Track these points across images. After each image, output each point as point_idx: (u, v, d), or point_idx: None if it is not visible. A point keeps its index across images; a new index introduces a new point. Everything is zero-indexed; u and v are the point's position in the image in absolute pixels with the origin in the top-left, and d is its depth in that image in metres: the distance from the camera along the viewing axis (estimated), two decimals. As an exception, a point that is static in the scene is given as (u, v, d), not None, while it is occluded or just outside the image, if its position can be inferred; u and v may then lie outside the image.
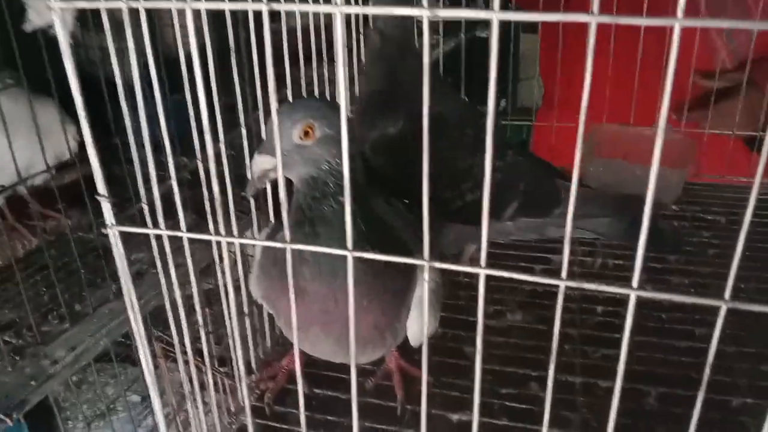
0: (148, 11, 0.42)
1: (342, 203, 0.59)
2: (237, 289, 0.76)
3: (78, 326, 1.10)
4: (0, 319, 1.08)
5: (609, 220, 0.85)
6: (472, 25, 2.02)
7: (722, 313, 0.35)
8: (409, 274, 0.67)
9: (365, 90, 0.90)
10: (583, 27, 0.31)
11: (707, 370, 0.38)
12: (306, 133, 0.57)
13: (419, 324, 0.68)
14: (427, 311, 0.44)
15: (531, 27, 1.82)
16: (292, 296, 0.46)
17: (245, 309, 0.80)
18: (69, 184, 1.22)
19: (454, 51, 1.82)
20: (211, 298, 1.29)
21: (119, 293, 1.16)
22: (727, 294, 0.34)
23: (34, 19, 0.34)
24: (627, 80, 1.17)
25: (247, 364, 0.84)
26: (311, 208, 0.60)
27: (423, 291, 0.42)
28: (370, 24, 0.86)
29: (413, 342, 0.70)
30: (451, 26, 1.95)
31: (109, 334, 1.14)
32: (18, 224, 1.25)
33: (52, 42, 0.99)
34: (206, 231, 0.65)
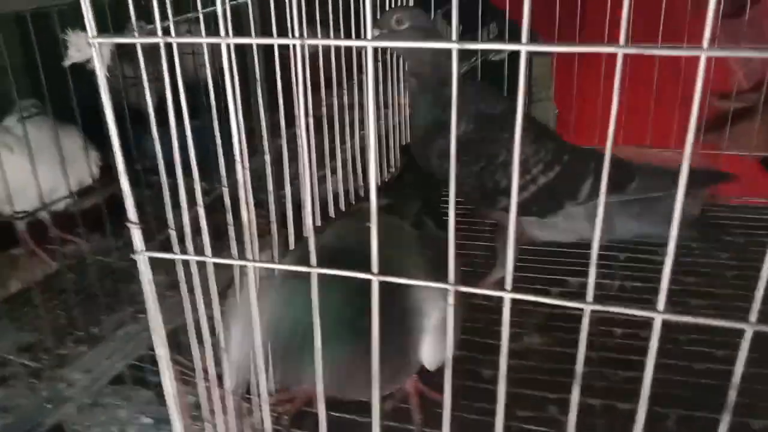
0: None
1: None
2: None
3: (95, 349, 1.11)
4: (18, 341, 1.09)
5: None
6: (486, 49, 2.05)
7: (748, 336, 0.35)
8: (412, 314, 0.67)
9: (418, 122, 0.93)
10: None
11: (733, 394, 0.38)
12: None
13: (434, 349, 0.68)
14: (451, 335, 0.44)
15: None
16: (316, 323, 0.47)
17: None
18: (88, 208, 1.24)
19: (468, 73, 1.86)
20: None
21: (135, 316, 1.18)
22: (753, 317, 0.35)
23: (74, 55, 0.35)
24: (642, 102, 1.18)
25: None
26: None
27: (448, 314, 0.43)
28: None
29: (429, 366, 0.70)
30: (466, 51, 1.98)
31: (125, 357, 1.15)
32: (38, 249, 1.26)
33: (77, 71, 1.02)
34: (225, 254, 0.65)
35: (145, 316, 1.19)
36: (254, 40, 0.38)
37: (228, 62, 0.39)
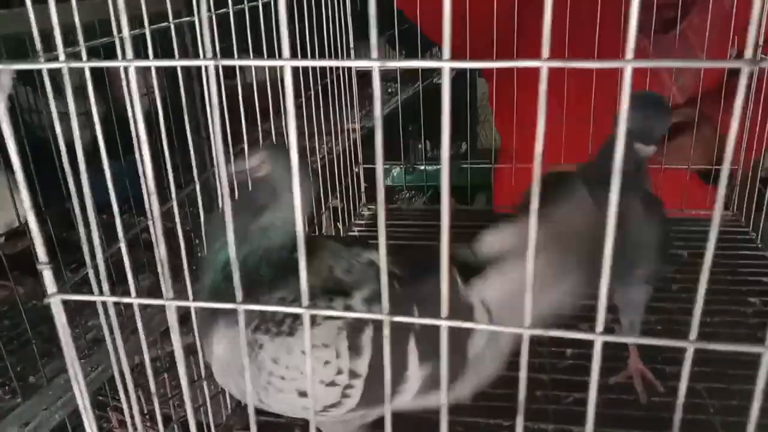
0: (100, 71, 0.41)
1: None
2: (194, 353, 0.73)
3: (31, 399, 1.05)
4: (-54, 398, 1.02)
5: None
6: (429, 72, 2.07)
7: (689, 354, 0.34)
8: None
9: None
10: (533, 70, 0.31)
11: (678, 413, 0.36)
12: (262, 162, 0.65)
13: None
14: (389, 366, 0.42)
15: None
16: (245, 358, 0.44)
17: (203, 373, 0.76)
18: (22, 251, 1.19)
19: (413, 98, 1.87)
20: (170, 363, 1.25)
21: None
22: (693, 334, 0.33)
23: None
24: (581, 119, 1.19)
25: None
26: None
27: (384, 345, 0.41)
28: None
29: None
30: (409, 75, 2.03)
31: (64, 406, 1.09)
32: (-34, 295, 1.20)
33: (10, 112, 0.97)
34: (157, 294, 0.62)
35: (86, 361, 1.14)
36: (155, 63, 0.35)
37: (147, 85, 0.36)
